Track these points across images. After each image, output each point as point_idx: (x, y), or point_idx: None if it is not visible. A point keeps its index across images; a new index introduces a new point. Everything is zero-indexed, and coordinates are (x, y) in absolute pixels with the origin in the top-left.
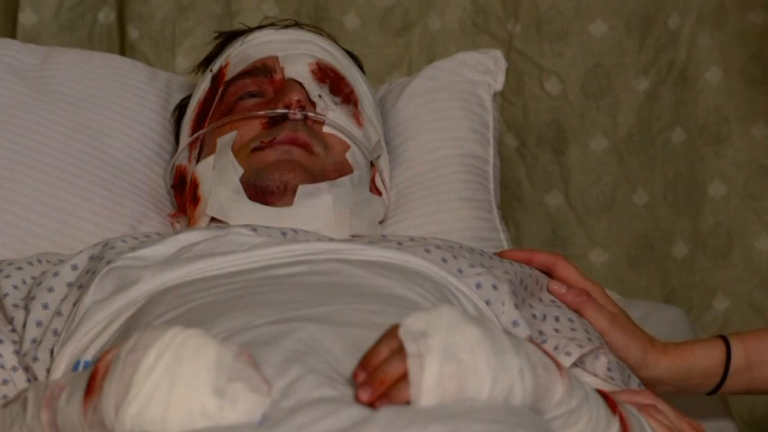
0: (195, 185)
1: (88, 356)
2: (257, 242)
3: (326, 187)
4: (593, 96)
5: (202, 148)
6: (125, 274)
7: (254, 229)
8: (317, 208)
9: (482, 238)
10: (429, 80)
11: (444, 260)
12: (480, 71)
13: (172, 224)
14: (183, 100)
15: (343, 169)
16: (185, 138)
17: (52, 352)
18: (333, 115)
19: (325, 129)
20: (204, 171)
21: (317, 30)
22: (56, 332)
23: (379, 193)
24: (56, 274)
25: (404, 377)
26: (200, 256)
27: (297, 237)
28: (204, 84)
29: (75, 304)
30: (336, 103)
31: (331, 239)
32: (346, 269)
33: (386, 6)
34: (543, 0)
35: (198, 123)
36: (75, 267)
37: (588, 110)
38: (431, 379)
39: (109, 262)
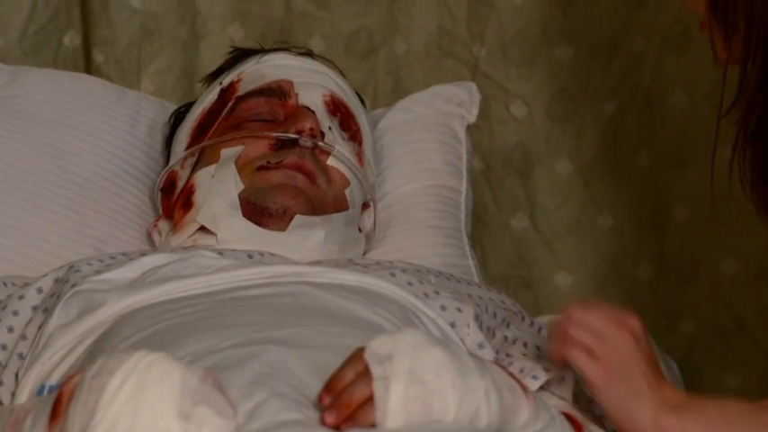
0: (191, 192)
1: (53, 380)
2: (223, 265)
3: (321, 222)
4: (558, 120)
5: (201, 157)
6: (90, 297)
7: (220, 252)
8: (307, 240)
9: (451, 265)
10: (403, 112)
11: (410, 283)
12: (454, 103)
13: (150, 233)
14: (182, 107)
15: (340, 205)
16: (181, 144)
17: (17, 376)
18: (340, 149)
19: (330, 161)
20: (204, 179)
21: (330, 62)
22: (21, 356)
23: (360, 231)
24: (21, 297)
25: (369, 400)
26: (165, 279)
27: (263, 260)
28: (211, 95)
29: (40, 328)
30: (344, 139)
31: (296, 263)
32: (311, 291)
33: (351, 30)
34: (509, 24)
35: (199, 132)
36: (40, 290)
37: (554, 133)
38: (396, 402)
39: (74, 285)
